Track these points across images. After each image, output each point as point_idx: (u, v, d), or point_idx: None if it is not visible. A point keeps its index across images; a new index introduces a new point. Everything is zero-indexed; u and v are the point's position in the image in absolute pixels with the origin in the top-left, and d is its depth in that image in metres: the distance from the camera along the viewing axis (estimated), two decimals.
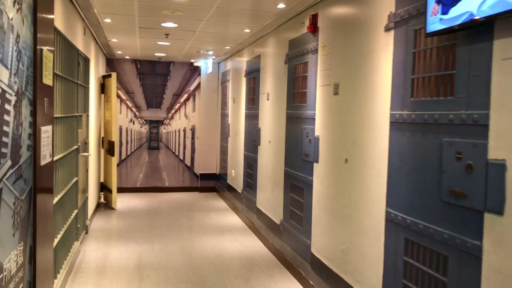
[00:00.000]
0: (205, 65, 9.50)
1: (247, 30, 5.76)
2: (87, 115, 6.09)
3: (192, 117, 9.76)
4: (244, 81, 7.20)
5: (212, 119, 9.60)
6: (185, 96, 9.69)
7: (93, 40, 6.60)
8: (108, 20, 5.40)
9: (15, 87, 2.40)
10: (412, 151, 2.74)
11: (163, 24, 5.54)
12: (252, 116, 6.60)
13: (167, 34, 6.17)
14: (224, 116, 8.93)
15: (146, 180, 9.53)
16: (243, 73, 7.27)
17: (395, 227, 2.88)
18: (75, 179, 5.11)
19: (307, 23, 4.44)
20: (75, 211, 5.14)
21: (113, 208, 7.74)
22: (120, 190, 8.97)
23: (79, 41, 5.23)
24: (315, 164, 4.23)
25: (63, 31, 4.16)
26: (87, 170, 6.16)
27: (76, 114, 5.11)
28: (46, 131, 3.12)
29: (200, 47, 7.40)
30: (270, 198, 5.69)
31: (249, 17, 5.06)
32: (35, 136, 2.86)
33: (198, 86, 9.60)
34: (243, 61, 7.28)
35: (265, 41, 6.00)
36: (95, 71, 7.13)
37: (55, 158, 3.97)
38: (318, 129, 4.16)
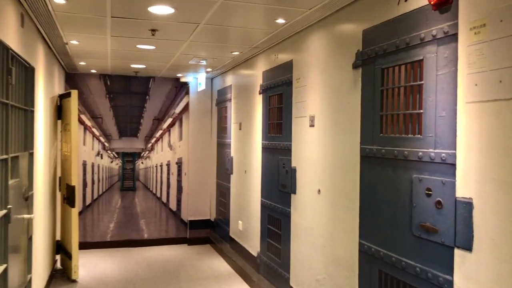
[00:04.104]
0: (195, 80, 7.44)
1: (281, 21, 3.78)
2: (31, 153, 3.93)
3: (179, 147, 7.62)
4: (259, 99, 5.19)
5: (205, 150, 7.51)
6: (169, 120, 7.56)
7: (40, 41, 4.47)
8: (61, 1, 3.31)
9: None
10: None
11: (150, 9, 3.49)
12: (278, 150, 4.59)
13: (153, 30, 4.12)
14: (222, 146, 6.86)
15: (119, 231, 7.27)
16: (256, 89, 5.27)
17: None
18: (4, 266, 2.93)
19: None
20: None
21: (73, 281, 5.49)
22: (84, 245, 6.72)
23: (10, 34, 3.12)
24: (457, 252, 2.22)
25: None
26: (29, 239, 3.97)
27: (6, 156, 2.97)
28: None
29: (195, 53, 5.37)
30: (323, 281, 3.63)
31: None
32: None
33: (186, 107, 7.51)
34: (256, 73, 5.30)
35: (303, 38, 4.04)
36: (47, 87, 4.97)
37: None
38: (470, 188, 2.16)
